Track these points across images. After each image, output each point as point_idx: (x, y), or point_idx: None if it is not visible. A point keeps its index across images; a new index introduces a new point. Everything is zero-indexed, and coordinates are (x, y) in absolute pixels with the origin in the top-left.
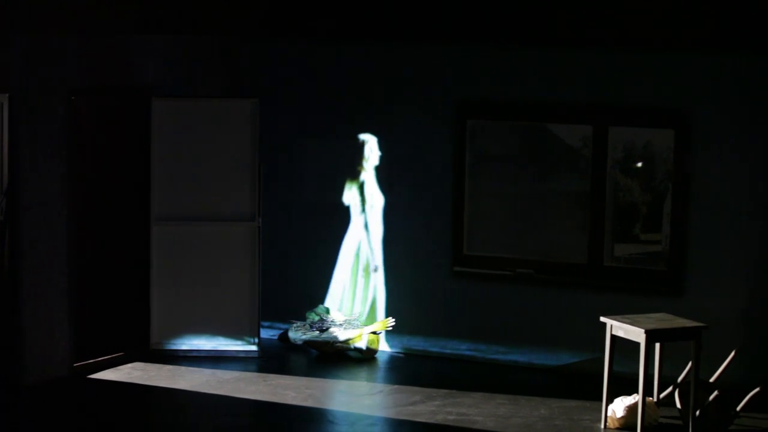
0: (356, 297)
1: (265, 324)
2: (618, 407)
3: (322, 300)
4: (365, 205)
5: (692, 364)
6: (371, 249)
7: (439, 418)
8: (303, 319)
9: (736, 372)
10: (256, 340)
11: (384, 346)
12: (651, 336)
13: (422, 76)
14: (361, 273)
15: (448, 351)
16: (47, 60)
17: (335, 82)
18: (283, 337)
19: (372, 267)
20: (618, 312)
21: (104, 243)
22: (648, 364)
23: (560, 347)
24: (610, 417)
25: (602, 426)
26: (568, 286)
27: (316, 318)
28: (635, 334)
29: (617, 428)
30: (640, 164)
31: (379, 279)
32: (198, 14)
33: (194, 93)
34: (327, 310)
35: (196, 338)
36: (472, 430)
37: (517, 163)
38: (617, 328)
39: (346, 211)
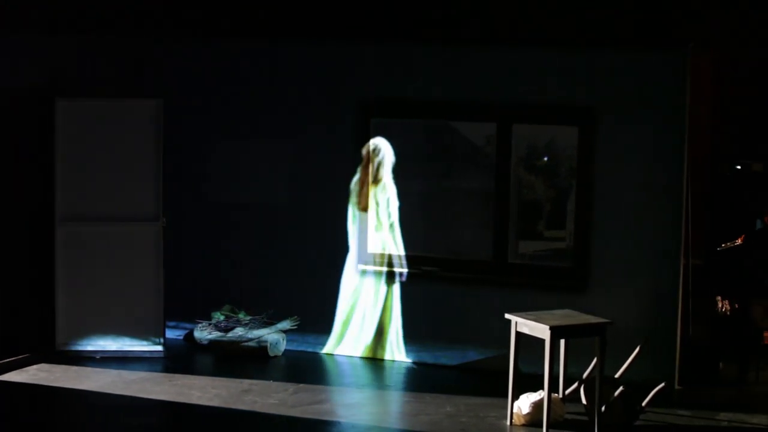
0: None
1: (171, 324)
2: (524, 404)
3: (233, 301)
4: (381, 211)
5: (597, 360)
6: (401, 257)
7: (344, 417)
8: (209, 318)
9: (641, 367)
10: (162, 341)
11: (290, 345)
12: (555, 332)
13: (326, 74)
14: (403, 288)
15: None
16: None
17: (240, 82)
18: (189, 337)
19: (398, 276)
20: (524, 309)
21: (7, 244)
22: (553, 361)
23: (466, 344)
24: (516, 413)
25: (508, 423)
26: (474, 283)
27: (222, 318)
28: (540, 330)
29: (523, 425)
30: (546, 159)
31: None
32: (102, 14)
33: (99, 93)
34: (232, 310)
35: (102, 339)
36: (378, 428)
37: (421, 161)
38: (522, 324)
39: (257, 210)
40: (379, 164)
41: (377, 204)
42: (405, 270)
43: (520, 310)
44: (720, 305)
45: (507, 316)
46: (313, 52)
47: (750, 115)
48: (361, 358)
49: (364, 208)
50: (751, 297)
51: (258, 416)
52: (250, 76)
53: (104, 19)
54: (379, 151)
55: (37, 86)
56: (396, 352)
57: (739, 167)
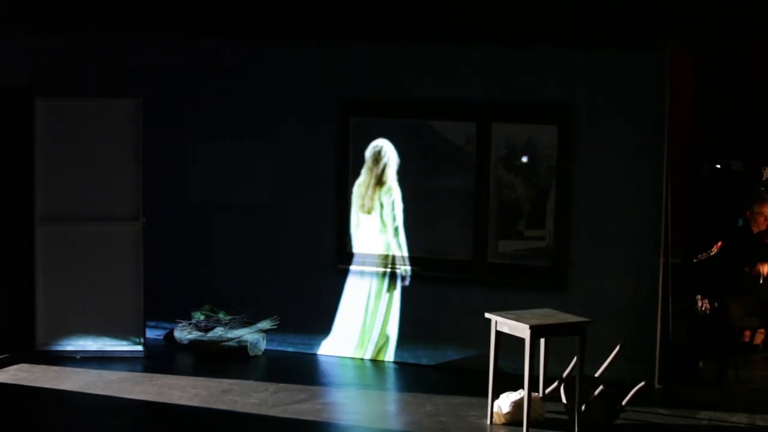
0: (375, 320)
1: (152, 324)
2: (504, 403)
3: (213, 300)
4: (386, 213)
5: (577, 359)
6: (404, 260)
7: (325, 416)
8: (189, 318)
9: (621, 366)
10: (142, 340)
11: (270, 345)
12: (535, 331)
13: (305, 74)
14: (385, 289)
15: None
16: None
17: (221, 81)
18: (169, 336)
19: (400, 279)
20: (504, 308)
21: None
22: (533, 360)
23: (446, 344)
24: (496, 413)
25: (488, 422)
26: (454, 282)
27: (202, 317)
28: (520, 329)
29: (503, 424)
30: (525, 159)
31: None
32: (81, 14)
33: (78, 93)
34: (212, 310)
35: (82, 339)
36: (358, 427)
37: (401, 160)
38: (502, 324)
39: (237, 210)
40: (385, 166)
41: (382, 206)
42: (408, 272)
43: (500, 309)
44: (700, 304)
45: (487, 315)
46: (294, 51)
47: (729, 115)
48: (341, 357)
49: (368, 211)
50: (731, 296)
51: (238, 416)
52: (231, 75)
53: (84, 19)
54: (384, 153)
55: (17, 86)
56: (382, 351)
57: (719, 166)
